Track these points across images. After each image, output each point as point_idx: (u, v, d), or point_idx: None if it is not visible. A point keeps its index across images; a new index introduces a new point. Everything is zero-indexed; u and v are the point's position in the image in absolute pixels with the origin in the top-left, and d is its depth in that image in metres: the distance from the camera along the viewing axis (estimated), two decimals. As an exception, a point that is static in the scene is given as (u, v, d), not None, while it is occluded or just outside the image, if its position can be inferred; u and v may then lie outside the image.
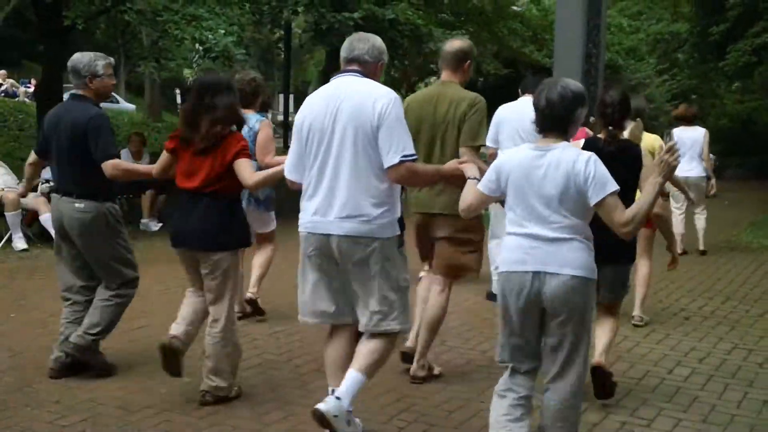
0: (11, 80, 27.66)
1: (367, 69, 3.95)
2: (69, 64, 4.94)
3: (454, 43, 5.21)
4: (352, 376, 3.83)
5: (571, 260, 3.40)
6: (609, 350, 4.74)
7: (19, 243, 9.13)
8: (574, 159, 3.41)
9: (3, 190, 9.26)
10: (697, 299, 7.37)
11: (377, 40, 4.03)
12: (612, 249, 4.04)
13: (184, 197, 4.51)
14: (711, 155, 10.17)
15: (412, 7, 14.29)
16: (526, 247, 3.45)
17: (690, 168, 9.31)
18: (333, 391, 3.84)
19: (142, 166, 5.43)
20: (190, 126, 4.43)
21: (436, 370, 5.08)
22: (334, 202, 3.79)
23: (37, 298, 6.94)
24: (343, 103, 3.80)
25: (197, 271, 4.53)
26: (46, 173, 10.04)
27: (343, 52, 3.99)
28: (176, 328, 4.53)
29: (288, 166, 4.02)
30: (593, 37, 13.03)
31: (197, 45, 12.58)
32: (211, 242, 4.41)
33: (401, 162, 3.71)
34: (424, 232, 5.03)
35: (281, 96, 27.93)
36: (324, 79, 21.56)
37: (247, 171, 4.38)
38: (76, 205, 4.81)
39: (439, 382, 4.94)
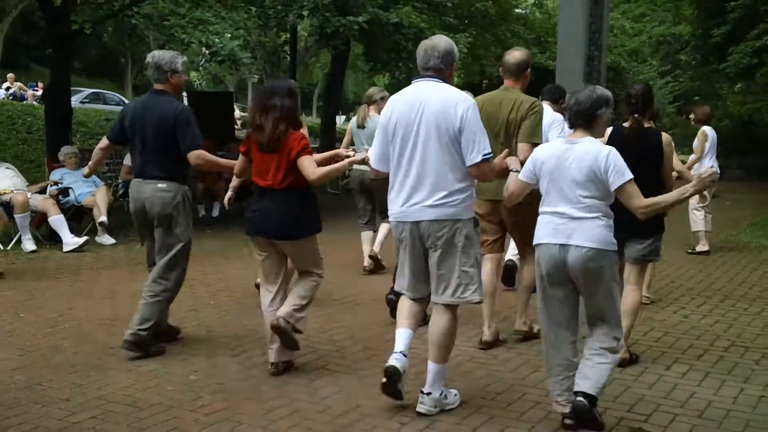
0: (19, 83, 27.80)
1: (444, 74, 4.44)
2: (150, 60, 5.52)
3: (515, 54, 5.71)
4: (432, 368, 4.43)
5: (590, 235, 4.08)
6: (629, 335, 5.38)
7: (28, 244, 9.23)
8: (596, 151, 4.11)
9: (12, 191, 9.35)
10: (695, 297, 7.44)
11: (445, 44, 4.45)
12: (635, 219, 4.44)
13: (260, 192, 5.01)
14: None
15: (415, 10, 14.34)
16: (556, 223, 4.17)
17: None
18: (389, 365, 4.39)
19: (224, 160, 5.85)
20: (257, 127, 4.93)
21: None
22: (422, 193, 4.35)
23: (45, 298, 7.05)
24: (427, 106, 4.32)
25: (273, 256, 5.10)
26: (54, 176, 10.21)
27: (420, 62, 4.45)
28: (281, 311, 4.98)
29: (374, 158, 4.59)
30: (595, 40, 13.16)
31: (203, 49, 12.69)
32: (287, 233, 4.95)
33: (483, 160, 4.28)
34: (490, 216, 5.70)
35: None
36: (329, 81, 21.73)
37: (310, 166, 4.85)
38: (159, 185, 5.41)
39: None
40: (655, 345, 5.88)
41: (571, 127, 4.33)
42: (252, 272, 7.21)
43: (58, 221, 9.43)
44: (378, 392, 4.52)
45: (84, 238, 9.48)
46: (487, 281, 5.56)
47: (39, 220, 9.77)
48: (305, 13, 12.92)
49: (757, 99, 28.70)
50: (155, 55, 5.56)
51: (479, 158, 4.26)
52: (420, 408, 4.40)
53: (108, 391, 4.69)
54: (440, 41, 4.46)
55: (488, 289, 5.56)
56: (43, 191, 9.87)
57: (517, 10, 23.74)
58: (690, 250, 9.86)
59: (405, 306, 4.60)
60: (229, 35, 10.86)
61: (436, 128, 4.28)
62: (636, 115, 5.31)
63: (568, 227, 4.11)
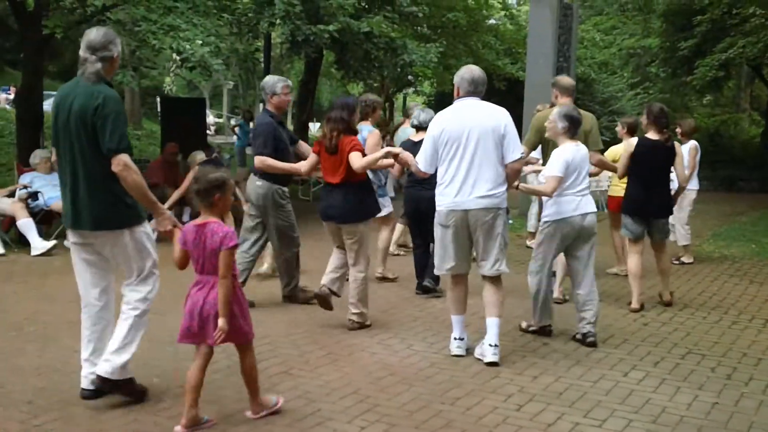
0: (-8, 87, 27.61)
1: (483, 96, 5.75)
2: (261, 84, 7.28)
3: (568, 79, 7.46)
4: (495, 321, 5.61)
5: (591, 205, 6.14)
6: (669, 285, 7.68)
7: (-6, 248, 9.20)
8: (584, 151, 6.18)
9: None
10: (656, 306, 7.56)
11: (482, 74, 5.78)
12: (660, 207, 7.46)
13: (327, 187, 6.42)
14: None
15: (386, 20, 14.41)
16: (578, 200, 6.05)
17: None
18: (460, 338, 5.83)
19: (282, 164, 6.90)
20: (323, 134, 6.33)
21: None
22: (471, 186, 5.53)
23: (11, 302, 7.04)
24: (476, 119, 5.57)
25: (340, 237, 6.45)
26: (24, 179, 10.18)
27: (470, 86, 5.69)
28: (324, 279, 6.51)
29: (422, 162, 5.79)
30: (564, 52, 13.36)
31: (174, 55, 12.69)
32: (347, 218, 6.30)
33: (519, 158, 5.64)
34: None
35: (261, 105, 28.02)
36: (302, 89, 21.71)
37: (354, 159, 6.12)
38: (257, 183, 6.97)
39: (402, 384, 5.10)
40: (614, 352, 5.99)
41: (571, 137, 6.18)
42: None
43: (26, 225, 9.41)
44: (339, 396, 4.58)
45: (53, 242, 9.46)
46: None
47: (7, 223, 9.74)
48: (277, 21, 12.94)
49: (724, 111, 29.13)
50: (264, 80, 7.31)
51: (518, 156, 5.61)
52: (494, 358, 5.53)
53: (70, 394, 4.71)
54: (482, 73, 5.75)
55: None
56: (12, 195, 9.83)
57: (488, 21, 23.89)
58: (676, 261, 10.04)
59: (458, 295, 5.79)
60: (200, 42, 10.87)
61: (486, 136, 5.51)
62: (665, 130, 7.35)
63: (584, 201, 6.12)
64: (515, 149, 5.60)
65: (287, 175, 7.05)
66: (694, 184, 10.05)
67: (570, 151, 6.05)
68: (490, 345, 5.56)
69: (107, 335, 4.65)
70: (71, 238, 4.65)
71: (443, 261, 5.77)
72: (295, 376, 5.22)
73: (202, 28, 11.01)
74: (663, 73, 26.82)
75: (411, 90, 31.22)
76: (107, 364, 4.50)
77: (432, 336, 6.23)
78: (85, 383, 4.65)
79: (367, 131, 7.57)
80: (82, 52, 4.48)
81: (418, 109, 8.73)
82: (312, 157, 6.59)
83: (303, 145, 7.38)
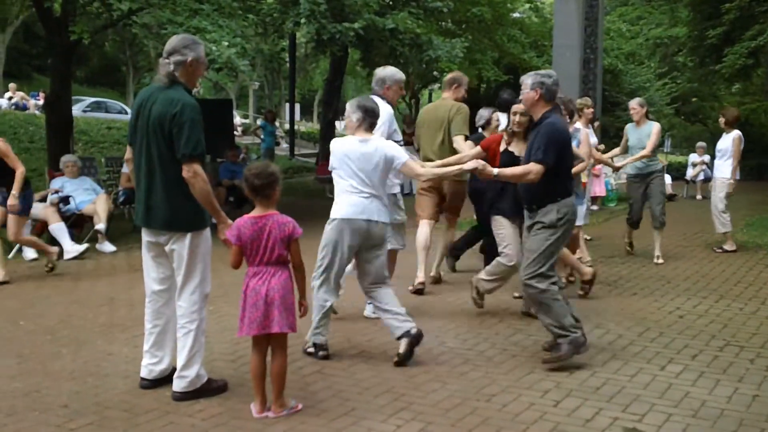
0: (21, 93, 27.92)
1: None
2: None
3: (452, 74, 7.70)
4: None
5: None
6: None
7: (29, 253, 9.29)
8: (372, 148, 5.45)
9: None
10: (691, 298, 7.47)
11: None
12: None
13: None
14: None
15: (411, 16, 14.37)
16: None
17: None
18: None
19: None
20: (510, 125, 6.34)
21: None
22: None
23: (45, 306, 7.09)
24: None
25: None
26: (55, 184, 10.27)
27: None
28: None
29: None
30: (591, 43, 13.25)
31: (201, 57, 12.75)
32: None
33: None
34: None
35: (287, 105, 28.10)
36: (328, 87, 21.79)
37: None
38: None
39: (437, 382, 5.06)
40: (650, 345, 5.91)
41: None
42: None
43: (58, 229, 9.48)
44: (373, 394, 4.55)
45: (85, 246, 9.53)
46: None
47: (40, 228, 9.82)
48: (302, 20, 12.95)
49: (754, 99, 28.71)
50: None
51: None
52: None
53: (105, 398, 4.73)
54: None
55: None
56: (43, 200, 9.92)
57: (513, 15, 23.78)
58: (718, 249, 10.16)
59: None
60: (226, 43, 10.91)
61: None
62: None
63: None
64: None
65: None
66: (729, 173, 9.98)
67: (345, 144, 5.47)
68: None
69: (168, 330, 4.89)
70: (144, 236, 4.82)
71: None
72: (329, 375, 5.20)
73: (228, 29, 11.06)
74: (691, 63, 26.60)
75: (437, 86, 31.17)
76: (183, 380, 4.71)
77: (465, 333, 6.18)
78: (144, 372, 4.91)
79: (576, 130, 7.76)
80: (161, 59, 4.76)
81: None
82: (476, 150, 6.54)
83: None
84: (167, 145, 4.55)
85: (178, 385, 4.71)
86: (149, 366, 4.90)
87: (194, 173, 4.51)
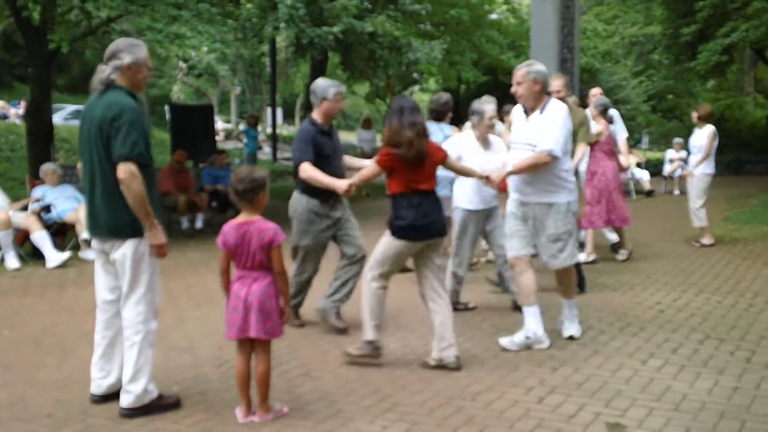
0: (2, 102, 27.79)
1: None
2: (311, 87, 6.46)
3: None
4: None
5: None
6: None
7: (12, 262, 9.25)
8: None
9: (-5, 210, 9.36)
10: (671, 292, 7.56)
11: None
12: None
13: (417, 198, 5.31)
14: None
15: (390, 19, 14.44)
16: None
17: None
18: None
19: (326, 177, 6.00)
20: (403, 142, 5.37)
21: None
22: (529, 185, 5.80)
23: (29, 316, 7.07)
24: None
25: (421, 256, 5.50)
26: (36, 193, 10.24)
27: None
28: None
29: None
30: (567, 43, 13.32)
31: (181, 63, 12.77)
32: (444, 230, 5.49)
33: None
34: None
35: (269, 109, 28.07)
36: (309, 91, 21.67)
37: (454, 163, 5.93)
38: (294, 195, 6.35)
39: (423, 382, 5.10)
40: (632, 340, 5.98)
41: None
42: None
43: (40, 238, 9.45)
44: (359, 395, 4.58)
45: (67, 254, 9.51)
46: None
47: (22, 237, 9.78)
48: (281, 25, 12.98)
49: (728, 95, 29.02)
50: (314, 83, 6.38)
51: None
52: (568, 332, 6.06)
53: (90, 406, 4.71)
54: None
55: None
56: (25, 208, 9.89)
57: (491, 16, 23.89)
58: (696, 243, 10.36)
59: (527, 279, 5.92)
60: (206, 49, 10.92)
61: None
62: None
63: None
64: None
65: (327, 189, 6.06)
66: (709, 168, 10.19)
67: None
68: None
69: (117, 342, 4.71)
70: (93, 244, 4.72)
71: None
72: (315, 377, 5.23)
73: (208, 35, 11.06)
74: (666, 60, 26.79)
75: (417, 88, 31.24)
76: (129, 396, 4.54)
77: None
78: (93, 387, 4.76)
79: (449, 130, 7.89)
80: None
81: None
82: (373, 168, 5.49)
83: (349, 158, 6.67)
84: (106, 150, 4.42)
85: (124, 400, 4.54)
86: (97, 380, 4.73)
87: (130, 174, 4.32)
